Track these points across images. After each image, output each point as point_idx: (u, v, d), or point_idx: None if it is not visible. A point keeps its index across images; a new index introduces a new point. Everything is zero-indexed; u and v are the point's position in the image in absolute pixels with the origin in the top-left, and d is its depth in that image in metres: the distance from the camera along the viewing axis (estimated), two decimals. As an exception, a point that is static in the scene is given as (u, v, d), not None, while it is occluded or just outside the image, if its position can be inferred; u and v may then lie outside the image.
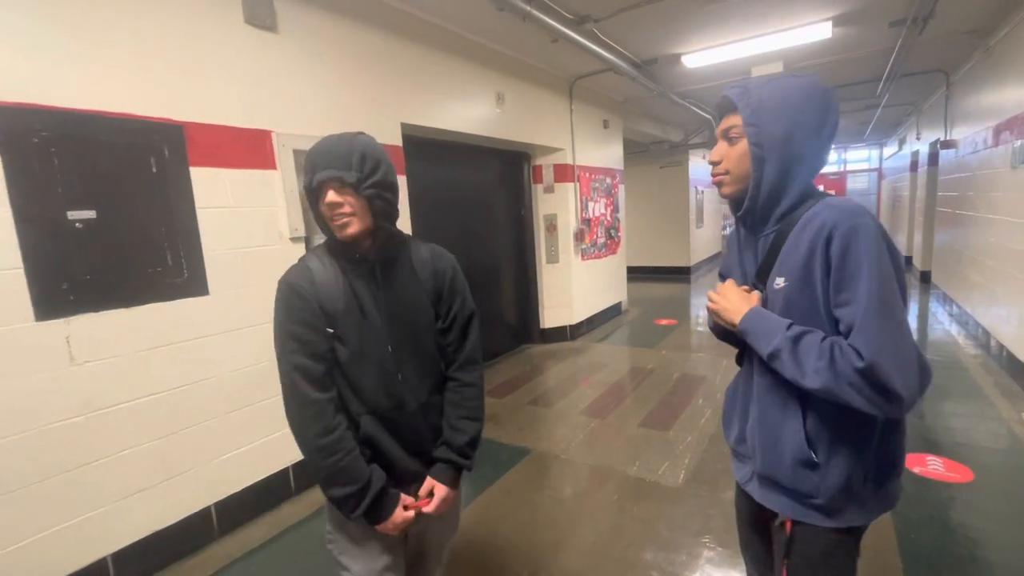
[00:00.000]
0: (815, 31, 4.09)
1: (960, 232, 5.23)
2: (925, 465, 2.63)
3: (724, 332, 1.18)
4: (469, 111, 3.94)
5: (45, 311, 1.82)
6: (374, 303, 1.21)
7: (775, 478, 1.06)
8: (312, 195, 1.16)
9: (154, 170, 2.10)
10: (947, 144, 5.69)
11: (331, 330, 1.17)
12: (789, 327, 0.96)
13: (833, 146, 1.13)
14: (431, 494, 1.28)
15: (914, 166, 8.59)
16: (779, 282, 1.01)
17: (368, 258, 1.21)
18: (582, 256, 5.63)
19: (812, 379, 0.91)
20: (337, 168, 1.10)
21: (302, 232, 2.65)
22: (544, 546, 2.20)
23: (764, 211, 1.05)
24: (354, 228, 1.14)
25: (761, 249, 1.08)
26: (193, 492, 2.27)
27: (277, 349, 1.17)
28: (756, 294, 1.07)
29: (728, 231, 10.97)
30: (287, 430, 1.18)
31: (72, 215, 1.87)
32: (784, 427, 1.02)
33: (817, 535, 1.03)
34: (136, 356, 2.06)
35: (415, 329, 1.26)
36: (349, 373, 1.20)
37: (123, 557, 2.04)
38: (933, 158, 6.94)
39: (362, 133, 1.19)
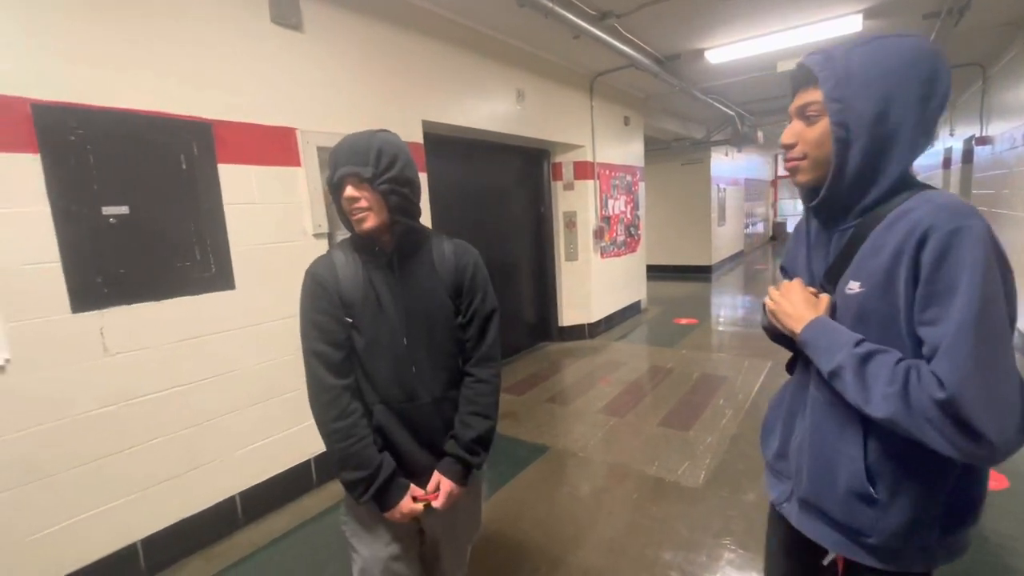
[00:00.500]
0: (845, 24, 3.99)
1: (996, 231, 5.05)
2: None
3: (780, 334, 1.03)
4: (489, 108, 3.94)
5: (81, 303, 1.88)
6: (391, 296, 1.23)
7: (822, 507, 0.93)
8: (334, 190, 1.20)
9: (184, 167, 2.15)
10: (983, 140, 5.49)
11: (349, 319, 1.21)
12: (858, 343, 0.82)
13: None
14: (440, 489, 1.29)
15: (947, 163, 8.31)
16: (853, 286, 0.86)
17: (386, 251, 1.23)
18: (601, 254, 5.60)
19: (879, 406, 0.78)
20: (356, 164, 1.14)
21: (325, 228, 2.68)
22: (562, 542, 2.20)
23: (845, 203, 0.89)
24: (371, 222, 1.18)
25: (835, 246, 0.93)
26: (219, 481, 2.33)
27: (301, 335, 1.22)
28: (825, 299, 0.92)
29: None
30: (309, 423, 1.22)
31: (106, 211, 1.93)
32: (840, 452, 0.89)
33: None
34: (165, 348, 2.12)
35: (431, 323, 1.27)
36: (365, 362, 1.23)
37: (152, 543, 2.11)
38: (967, 155, 6.71)
39: (384, 130, 1.22)
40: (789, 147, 0.92)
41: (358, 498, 1.20)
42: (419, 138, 3.30)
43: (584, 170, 5.26)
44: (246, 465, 2.42)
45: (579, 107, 5.12)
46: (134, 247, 2.01)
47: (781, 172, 15.36)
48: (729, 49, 4.50)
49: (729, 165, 10.27)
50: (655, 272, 8.34)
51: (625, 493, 2.56)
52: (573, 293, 5.45)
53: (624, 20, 3.75)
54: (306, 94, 2.61)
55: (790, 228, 15.19)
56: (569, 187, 5.27)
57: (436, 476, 1.28)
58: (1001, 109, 5.15)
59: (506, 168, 4.87)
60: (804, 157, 0.90)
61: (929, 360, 0.76)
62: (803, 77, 0.89)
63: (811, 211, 0.96)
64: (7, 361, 1.73)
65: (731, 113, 7.31)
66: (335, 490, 2.68)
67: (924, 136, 0.83)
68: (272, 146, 2.47)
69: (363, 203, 1.16)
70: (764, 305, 1.05)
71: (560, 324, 5.50)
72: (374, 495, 1.19)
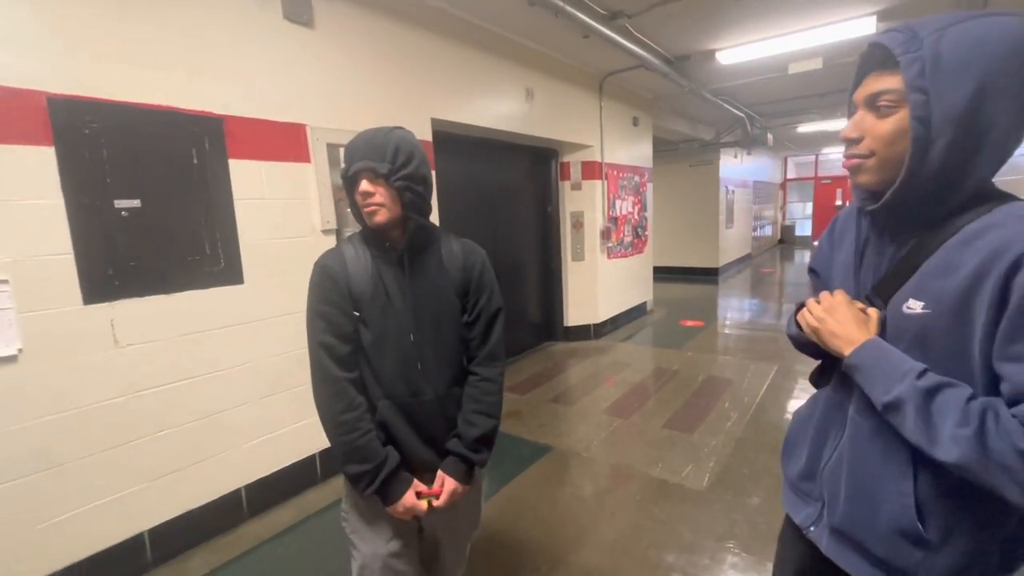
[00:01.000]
0: (858, 26, 3.95)
1: None
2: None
3: (807, 342, 0.92)
4: (498, 107, 3.94)
5: (92, 295, 1.90)
6: (400, 291, 1.24)
7: (861, 541, 0.84)
8: (348, 184, 1.21)
9: (195, 162, 2.17)
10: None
11: (357, 313, 1.21)
12: (921, 374, 0.72)
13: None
14: (443, 486, 1.29)
15: None
16: (914, 306, 0.76)
17: (397, 247, 1.24)
18: (608, 254, 5.58)
19: (947, 449, 0.69)
20: (372, 159, 1.15)
21: (333, 224, 2.70)
22: (564, 542, 2.21)
23: (914, 211, 0.77)
24: (383, 217, 1.19)
25: (890, 257, 0.82)
26: (225, 474, 2.34)
27: (307, 326, 1.23)
28: (875, 316, 0.81)
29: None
30: (314, 418, 1.22)
31: (119, 204, 1.95)
32: (885, 485, 0.80)
33: None
34: (174, 341, 2.14)
35: (438, 320, 1.27)
36: (371, 357, 1.24)
37: (159, 533, 2.13)
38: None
39: (400, 128, 1.23)
40: (852, 141, 0.79)
41: (363, 491, 1.20)
42: (428, 136, 3.31)
43: (592, 170, 5.25)
44: (252, 458, 2.44)
45: (588, 107, 5.11)
46: (145, 240, 2.03)
47: (791, 175, 15.21)
48: (740, 50, 4.47)
49: (738, 167, 10.22)
50: (662, 273, 8.31)
51: (628, 494, 2.56)
52: (579, 293, 5.45)
53: (635, 20, 3.73)
54: (316, 90, 2.62)
55: (799, 232, 15.02)
56: (577, 187, 5.26)
57: (440, 474, 1.29)
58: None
59: (514, 167, 4.87)
60: (871, 155, 0.77)
61: (1011, 402, 0.68)
62: (877, 58, 0.74)
63: (868, 215, 0.83)
64: (19, 351, 1.75)
65: (741, 115, 7.27)
66: (339, 485, 2.68)
67: (1018, 137, 0.72)
68: (282, 142, 2.48)
69: (377, 198, 1.17)
70: (794, 316, 0.95)
71: (566, 324, 5.49)
72: (378, 488, 1.20)
